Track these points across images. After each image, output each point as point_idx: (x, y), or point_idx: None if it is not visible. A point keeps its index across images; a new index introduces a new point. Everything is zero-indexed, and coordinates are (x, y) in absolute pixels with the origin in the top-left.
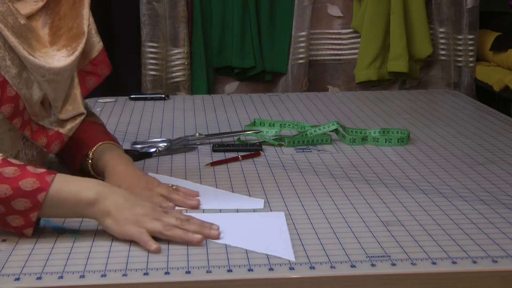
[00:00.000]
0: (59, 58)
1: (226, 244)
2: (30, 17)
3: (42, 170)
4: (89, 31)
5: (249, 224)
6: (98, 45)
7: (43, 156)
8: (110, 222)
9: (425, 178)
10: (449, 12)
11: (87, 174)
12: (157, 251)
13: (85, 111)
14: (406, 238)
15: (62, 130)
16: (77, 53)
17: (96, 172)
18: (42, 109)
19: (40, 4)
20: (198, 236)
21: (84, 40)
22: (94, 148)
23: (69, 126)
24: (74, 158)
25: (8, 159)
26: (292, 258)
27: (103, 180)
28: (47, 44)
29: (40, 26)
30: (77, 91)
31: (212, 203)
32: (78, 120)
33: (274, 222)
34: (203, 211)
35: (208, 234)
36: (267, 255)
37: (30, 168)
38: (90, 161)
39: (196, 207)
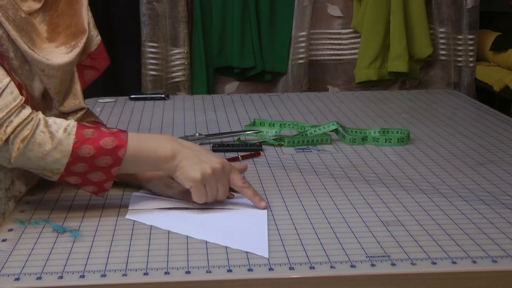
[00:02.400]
0: (58, 55)
1: (206, 241)
2: (28, 14)
3: (115, 129)
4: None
5: (230, 220)
6: (96, 39)
7: None
8: (180, 175)
9: (425, 178)
10: (449, 12)
11: None
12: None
13: (86, 106)
14: (406, 238)
15: None
16: (77, 49)
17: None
18: (44, 102)
19: (40, 4)
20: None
21: (85, 38)
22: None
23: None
24: None
25: (82, 123)
26: (266, 255)
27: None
28: (46, 41)
29: (38, 23)
30: (77, 86)
31: (213, 203)
32: (79, 114)
33: (255, 219)
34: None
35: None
36: (245, 252)
37: (104, 129)
38: None
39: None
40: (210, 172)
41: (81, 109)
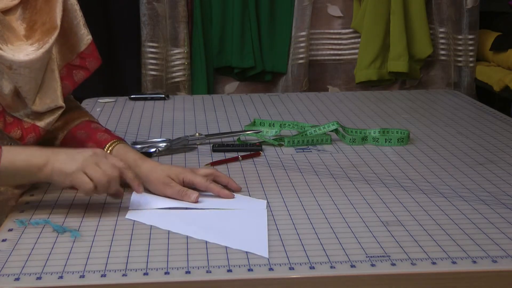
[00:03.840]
0: (28, 52)
1: (206, 241)
2: (6, 11)
3: None
4: (76, 24)
5: (230, 220)
6: (86, 38)
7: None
8: (57, 177)
9: (425, 178)
10: (449, 12)
11: None
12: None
13: (64, 105)
14: (406, 238)
15: (39, 123)
16: (47, 46)
17: None
18: (17, 100)
19: (16, 1)
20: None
21: (56, 34)
22: (109, 149)
23: (47, 119)
24: None
25: None
26: (266, 255)
27: None
28: (22, 38)
29: (15, 20)
30: (56, 85)
31: (214, 203)
32: (57, 114)
33: (255, 219)
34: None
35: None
36: (246, 252)
37: None
38: None
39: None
40: (83, 159)
41: (59, 108)
